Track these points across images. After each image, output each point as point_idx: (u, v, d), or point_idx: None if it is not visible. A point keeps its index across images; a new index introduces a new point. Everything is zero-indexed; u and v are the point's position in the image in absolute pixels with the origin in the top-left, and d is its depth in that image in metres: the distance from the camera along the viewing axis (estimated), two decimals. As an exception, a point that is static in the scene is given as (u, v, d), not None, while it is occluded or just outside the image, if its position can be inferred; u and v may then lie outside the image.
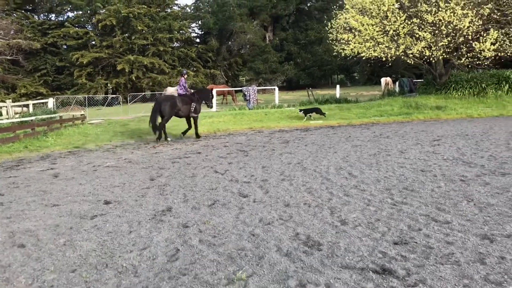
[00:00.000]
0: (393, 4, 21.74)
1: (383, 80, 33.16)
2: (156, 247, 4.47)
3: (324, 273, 3.64)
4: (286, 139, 13.48)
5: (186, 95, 14.59)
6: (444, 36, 21.13)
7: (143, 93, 38.01)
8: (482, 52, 20.74)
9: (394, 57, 22.80)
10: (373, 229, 4.67)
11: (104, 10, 44.63)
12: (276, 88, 29.08)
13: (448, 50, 22.31)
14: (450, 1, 20.50)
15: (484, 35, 20.89)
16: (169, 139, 14.38)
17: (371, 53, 22.40)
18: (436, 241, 4.22)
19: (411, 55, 22.27)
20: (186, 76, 15.23)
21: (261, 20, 56.35)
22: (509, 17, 21.22)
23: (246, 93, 25.36)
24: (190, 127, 14.99)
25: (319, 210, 5.50)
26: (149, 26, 45.35)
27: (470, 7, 20.75)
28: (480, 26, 21.11)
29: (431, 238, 4.30)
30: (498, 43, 21.07)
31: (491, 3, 20.99)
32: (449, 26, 20.71)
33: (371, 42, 22.12)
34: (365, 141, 12.05)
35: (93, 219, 5.58)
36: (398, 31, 21.66)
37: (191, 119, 14.75)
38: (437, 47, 21.46)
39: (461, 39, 21.24)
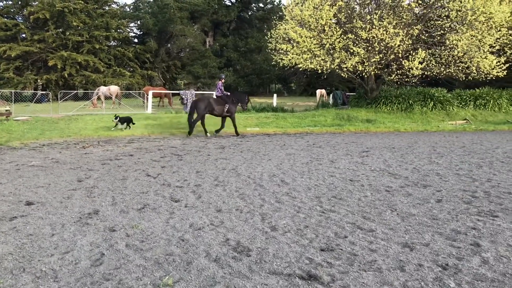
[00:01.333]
0: (331, 19, 22.46)
1: (318, 91, 34.12)
2: (79, 251, 4.28)
3: (251, 279, 3.65)
4: (222, 144, 13.47)
5: (221, 97, 16.37)
6: (376, 52, 22.10)
7: (76, 91, 36.48)
8: (410, 70, 21.89)
9: (329, 70, 23.52)
10: (301, 235, 4.76)
11: (37, 3, 42.41)
12: (215, 93, 29.03)
13: (380, 66, 23.36)
14: (383, 20, 21.50)
15: (413, 54, 22.09)
16: (208, 134, 16.32)
17: (307, 65, 22.97)
18: (360, 248, 4.37)
19: (345, 69, 23.07)
20: (223, 80, 17.14)
21: (201, 25, 56.10)
22: (436, 39, 22.59)
23: (183, 96, 25.11)
24: (223, 126, 16.81)
25: (251, 216, 5.53)
26: (85, 22, 43.68)
27: (401, 26, 21.89)
28: (409, 45, 22.30)
29: (356, 245, 4.45)
30: (425, 62, 22.37)
31: (420, 24, 22.27)
32: (381, 44, 21.70)
33: (308, 54, 22.69)
34: (298, 150, 12.30)
35: (12, 220, 5.26)
36: (334, 45, 22.39)
37: (226, 118, 16.67)
38: (369, 62, 22.40)
39: (392, 56, 22.33)
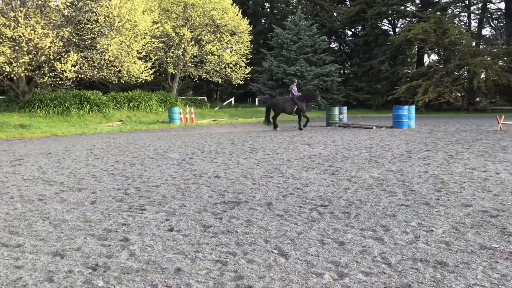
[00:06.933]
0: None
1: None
2: None
3: None
4: None
5: (292, 98, 20.58)
6: (25, 53, 20.64)
7: None
8: (64, 72, 21.43)
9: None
10: None
11: None
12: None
13: (31, 67, 21.96)
14: (30, 19, 20.22)
15: (66, 56, 21.68)
16: (278, 129, 20.91)
17: None
18: (4, 268, 3.97)
19: (-10, 70, 20.64)
20: (295, 84, 21.75)
21: None
22: (87, 42, 22.83)
23: None
24: (307, 119, 21.12)
25: None
26: None
27: (51, 27, 21.11)
28: (61, 47, 21.77)
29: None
30: (78, 65, 22.30)
31: (70, 27, 22.03)
32: (30, 44, 20.38)
33: None
34: None
35: None
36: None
37: (301, 114, 20.89)
38: (18, 63, 20.71)
39: (43, 58, 21.32)
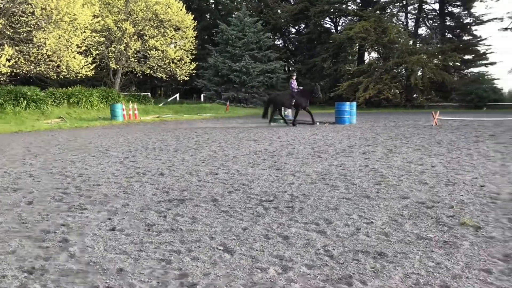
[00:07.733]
0: None
1: None
2: None
3: None
4: None
5: (290, 92, 20.20)
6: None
7: None
8: (-3, 67, 20.32)
9: None
10: None
11: None
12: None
13: (-41, 61, 20.61)
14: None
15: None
16: (296, 123, 20.80)
17: None
18: None
19: None
20: (294, 77, 21.95)
21: None
22: (22, 35, 21.74)
23: None
24: (310, 114, 20.83)
25: None
26: None
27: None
28: (-7, 40, 20.62)
29: None
30: (13, 59, 21.19)
31: (3, 19, 20.90)
32: (-42, 36, 19.16)
33: None
34: None
35: None
36: None
37: (299, 109, 20.66)
38: None
39: (-27, 51, 20.10)
